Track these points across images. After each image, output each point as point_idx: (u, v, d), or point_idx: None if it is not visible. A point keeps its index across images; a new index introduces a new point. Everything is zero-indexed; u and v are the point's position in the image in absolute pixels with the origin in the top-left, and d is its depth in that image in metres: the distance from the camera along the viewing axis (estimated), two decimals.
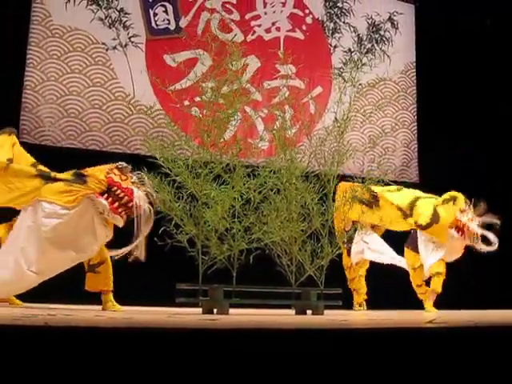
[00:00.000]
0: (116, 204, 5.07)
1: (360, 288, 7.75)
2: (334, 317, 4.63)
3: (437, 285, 7.14)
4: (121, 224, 5.16)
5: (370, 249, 7.53)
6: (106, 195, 5.08)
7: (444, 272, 7.16)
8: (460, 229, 7.08)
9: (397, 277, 7.68)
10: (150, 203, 5.13)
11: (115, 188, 5.08)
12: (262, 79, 8.78)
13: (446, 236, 7.01)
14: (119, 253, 5.16)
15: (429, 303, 7.21)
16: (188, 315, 4.22)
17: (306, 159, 5.50)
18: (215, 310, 4.78)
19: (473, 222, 7.09)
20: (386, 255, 7.66)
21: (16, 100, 7.96)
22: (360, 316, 5.06)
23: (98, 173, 5.15)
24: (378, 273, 7.76)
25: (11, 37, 7.90)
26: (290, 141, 5.47)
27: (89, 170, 5.21)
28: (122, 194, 5.08)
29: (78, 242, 5.08)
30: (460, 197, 7.34)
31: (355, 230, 6.59)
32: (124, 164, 5.25)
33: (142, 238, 5.12)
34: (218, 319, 3.63)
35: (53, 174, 5.22)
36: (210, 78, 5.18)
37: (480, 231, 7.06)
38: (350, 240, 7.11)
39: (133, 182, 5.15)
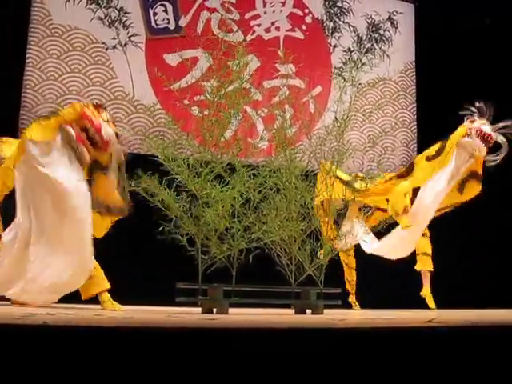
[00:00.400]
0: (83, 135, 5.05)
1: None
2: (333, 316, 4.63)
3: (428, 264, 7.07)
4: (86, 157, 5.09)
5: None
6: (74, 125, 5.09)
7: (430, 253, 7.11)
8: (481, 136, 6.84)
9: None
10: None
11: (86, 120, 5.07)
12: (261, 79, 8.78)
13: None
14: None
15: (426, 287, 7.15)
16: (188, 315, 4.22)
17: (306, 158, 5.50)
18: (215, 310, 4.78)
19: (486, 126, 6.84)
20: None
21: (16, 99, 7.96)
22: (359, 315, 5.06)
23: (74, 105, 5.20)
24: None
25: (11, 36, 7.90)
26: (289, 140, 5.47)
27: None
28: (89, 126, 5.07)
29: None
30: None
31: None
32: (97, 103, 5.31)
33: (114, 177, 5.11)
34: (217, 319, 3.63)
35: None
36: (213, 77, 5.17)
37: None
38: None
39: (106, 121, 5.16)
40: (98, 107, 5.24)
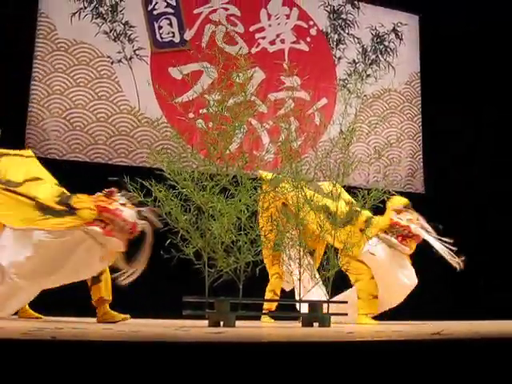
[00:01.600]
0: (109, 227, 5.08)
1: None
2: (340, 329, 4.62)
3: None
4: (120, 247, 5.16)
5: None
6: (97, 222, 5.12)
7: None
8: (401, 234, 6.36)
9: None
10: (146, 218, 5.15)
11: (105, 213, 5.10)
12: (266, 91, 8.80)
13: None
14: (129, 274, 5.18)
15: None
16: (194, 328, 4.21)
17: (312, 171, 5.49)
18: (222, 323, 4.77)
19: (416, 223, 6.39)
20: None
21: (21, 113, 7.98)
22: (366, 329, 5.04)
23: (87, 203, 5.17)
24: None
25: (16, 51, 7.93)
26: (295, 152, 5.46)
27: (76, 200, 5.20)
28: (112, 217, 5.10)
29: (65, 268, 5.13)
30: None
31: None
32: (107, 190, 5.25)
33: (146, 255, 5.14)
34: (224, 332, 3.63)
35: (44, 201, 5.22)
36: (216, 90, 5.17)
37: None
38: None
39: (121, 204, 5.17)
40: (109, 194, 5.24)
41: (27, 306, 5.76)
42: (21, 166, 5.61)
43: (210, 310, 4.81)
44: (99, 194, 5.26)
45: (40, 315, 5.74)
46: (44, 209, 5.13)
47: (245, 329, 4.44)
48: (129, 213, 5.10)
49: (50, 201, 5.19)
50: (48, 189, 5.40)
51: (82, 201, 5.18)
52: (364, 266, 6.30)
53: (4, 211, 5.22)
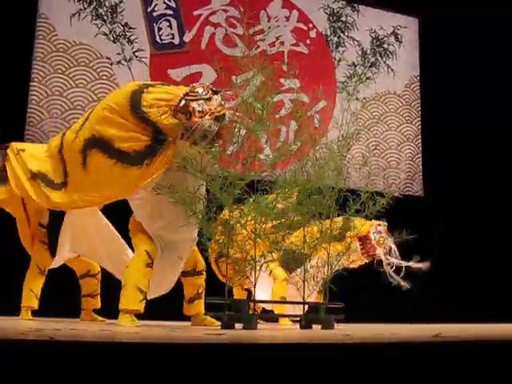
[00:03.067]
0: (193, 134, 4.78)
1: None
2: (337, 331, 4.61)
3: None
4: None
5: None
6: None
7: None
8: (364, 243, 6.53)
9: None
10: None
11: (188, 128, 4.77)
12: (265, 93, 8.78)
13: None
14: None
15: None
16: (195, 329, 4.20)
17: (311, 173, 5.47)
18: (238, 325, 4.73)
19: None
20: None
21: (21, 114, 7.98)
22: (365, 331, 5.03)
23: (170, 119, 4.78)
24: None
25: (16, 51, 7.93)
26: (294, 155, 5.45)
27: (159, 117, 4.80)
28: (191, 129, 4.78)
29: None
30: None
31: None
32: (176, 103, 4.80)
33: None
34: (224, 334, 3.62)
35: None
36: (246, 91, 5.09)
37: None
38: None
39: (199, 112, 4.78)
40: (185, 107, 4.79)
41: (91, 311, 5.89)
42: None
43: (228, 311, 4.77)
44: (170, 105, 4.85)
45: (103, 318, 5.84)
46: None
47: (246, 331, 4.44)
48: (208, 123, 4.77)
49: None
50: None
51: (164, 118, 4.83)
52: None
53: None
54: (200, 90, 4.82)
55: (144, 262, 4.90)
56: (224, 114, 4.83)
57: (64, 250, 5.73)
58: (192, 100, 4.77)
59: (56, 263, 5.84)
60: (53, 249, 5.71)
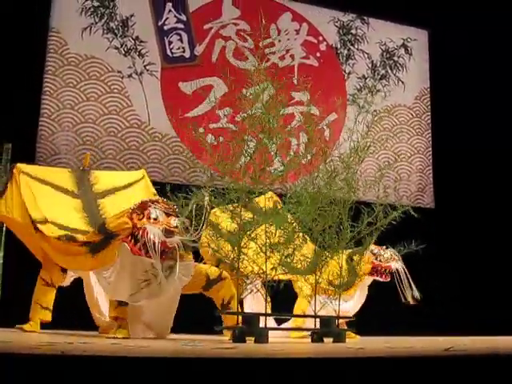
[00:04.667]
0: (138, 245, 4.97)
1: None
2: (351, 345, 4.60)
3: None
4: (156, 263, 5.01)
5: None
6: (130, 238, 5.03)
7: None
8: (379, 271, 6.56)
9: None
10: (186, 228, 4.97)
11: (134, 230, 4.99)
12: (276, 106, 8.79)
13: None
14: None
15: None
16: (208, 342, 4.20)
17: (322, 186, 5.46)
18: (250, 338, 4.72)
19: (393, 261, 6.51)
20: None
21: (33, 128, 8.02)
22: (377, 344, 5.01)
23: (123, 217, 5.03)
24: None
25: (28, 65, 7.97)
26: (304, 167, 5.45)
27: (111, 221, 5.11)
28: (136, 233, 4.98)
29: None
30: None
31: None
32: (139, 203, 5.10)
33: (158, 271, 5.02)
34: (235, 347, 3.61)
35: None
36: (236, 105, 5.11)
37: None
38: None
39: (153, 219, 4.97)
40: (142, 207, 5.07)
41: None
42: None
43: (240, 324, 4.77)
44: (134, 204, 5.10)
45: None
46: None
47: (255, 345, 4.43)
48: (155, 231, 4.88)
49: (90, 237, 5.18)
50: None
51: (116, 220, 5.07)
52: None
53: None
54: (165, 205, 5.08)
55: None
56: (173, 233, 4.92)
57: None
58: (151, 206, 5.02)
59: (67, 281, 5.90)
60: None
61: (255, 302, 6.02)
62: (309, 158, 5.39)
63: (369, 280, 6.64)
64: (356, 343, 4.90)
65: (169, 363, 2.47)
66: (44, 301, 5.74)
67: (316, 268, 5.27)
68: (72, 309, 6.09)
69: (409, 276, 6.35)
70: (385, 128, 10.00)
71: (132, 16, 8.85)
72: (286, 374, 2.51)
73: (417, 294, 6.28)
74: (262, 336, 4.61)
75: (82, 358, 2.48)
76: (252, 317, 4.88)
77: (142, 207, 5.03)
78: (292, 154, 5.40)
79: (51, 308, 5.76)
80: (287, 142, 5.40)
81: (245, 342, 4.59)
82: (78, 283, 6.04)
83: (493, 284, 9.43)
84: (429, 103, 10.59)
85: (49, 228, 5.37)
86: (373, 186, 5.63)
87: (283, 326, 6.48)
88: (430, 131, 10.52)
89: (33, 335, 4.94)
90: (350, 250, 5.67)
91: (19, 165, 5.80)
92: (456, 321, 8.05)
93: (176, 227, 4.93)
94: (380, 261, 6.57)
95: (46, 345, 3.13)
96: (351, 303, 6.58)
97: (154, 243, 4.83)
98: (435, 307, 8.34)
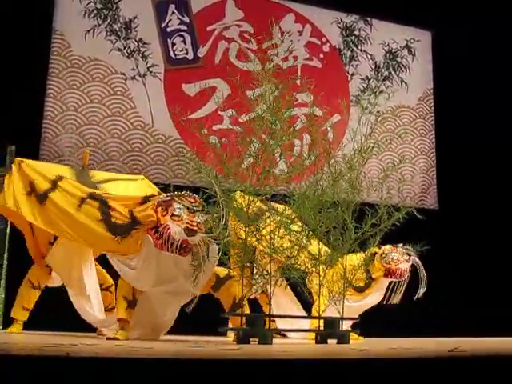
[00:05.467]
0: (161, 240, 4.94)
1: None
2: (355, 346, 4.59)
3: None
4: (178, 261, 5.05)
5: None
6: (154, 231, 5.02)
7: None
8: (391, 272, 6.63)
9: None
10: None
11: (158, 225, 4.98)
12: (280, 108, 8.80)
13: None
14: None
15: None
16: (211, 344, 4.20)
17: (326, 187, 5.46)
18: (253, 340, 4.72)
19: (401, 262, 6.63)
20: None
21: (36, 130, 8.03)
22: (380, 346, 5.01)
23: (148, 210, 5.03)
24: None
25: (31, 67, 7.98)
26: (308, 169, 5.45)
27: (138, 210, 5.10)
28: (162, 231, 4.93)
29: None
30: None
31: None
32: (164, 199, 5.06)
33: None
34: (239, 349, 3.61)
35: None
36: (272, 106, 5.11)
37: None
38: None
39: (176, 215, 4.95)
40: (167, 204, 5.03)
41: None
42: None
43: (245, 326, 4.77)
44: (155, 199, 5.10)
45: None
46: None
47: (258, 346, 4.43)
48: (176, 229, 4.86)
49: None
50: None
51: (141, 212, 5.07)
52: None
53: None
54: (191, 200, 5.03)
55: None
56: (195, 232, 4.89)
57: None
58: (176, 201, 4.99)
59: (57, 282, 5.91)
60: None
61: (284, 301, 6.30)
62: (312, 159, 5.39)
63: (386, 281, 6.69)
64: (360, 344, 4.90)
65: (172, 364, 2.47)
66: (26, 302, 5.83)
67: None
68: (59, 309, 6.13)
69: (422, 272, 6.49)
70: (388, 129, 9.99)
71: (135, 18, 8.86)
72: (288, 375, 2.50)
73: (421, 292, 6.43)
74: (265, 337, 4.61)
75: (87, 359, 2.48)
76: (257, 318, 4.87)
77: (167, 203, 4.99)
78: (296, 155, 5.40)
79: (31, 309, 5.87)
80: (291, 144, 5.41)
81: (249, 343, 4.59)
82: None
83: (497, 284, 9.41)
84: (432, 104, 10.59)
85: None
86: (377, 187, 5.63)
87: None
88: (433, 132, 10.52)
89: (38, 337, 4.94)
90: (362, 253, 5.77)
91: (18, 159, 5.76)
92: (459, 321, 8.04)
93: (199, 224, 4.92)
94: (389, 263, 6.62)
95: (51, 346, 3.13)
96: (368, 301, 6.73)
97: (173, 241, 4.84)
98: (438, 307, 8.34)
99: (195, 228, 4.90)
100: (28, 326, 5.85)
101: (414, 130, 10.38)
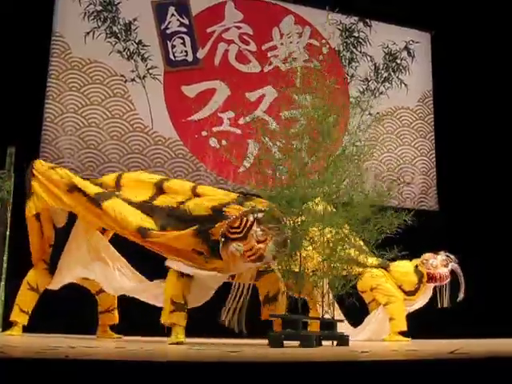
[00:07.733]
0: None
1: None
2: (356, 348, 4.59)
3: None
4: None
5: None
6: None
7: None
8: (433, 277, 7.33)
9: None
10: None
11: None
12: (279, 109, 8.79)
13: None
14: None
15: None
16: (214, 346, 4.19)
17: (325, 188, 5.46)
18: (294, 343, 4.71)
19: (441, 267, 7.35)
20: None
21: (36, 131, 8.03)
22: (381, 348, 5.00)
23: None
24: None
25: (31, 70, 7.98)
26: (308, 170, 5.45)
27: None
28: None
29: None
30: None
31: None
32: (242, 212, 5.00)
33: None
34: (239, 351, 3.61)
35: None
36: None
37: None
38: None
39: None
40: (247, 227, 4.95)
41: (108, 327, 6.02)
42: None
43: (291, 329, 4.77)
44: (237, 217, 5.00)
45: (120, 335, 6.00)
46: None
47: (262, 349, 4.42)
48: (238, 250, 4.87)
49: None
50: None
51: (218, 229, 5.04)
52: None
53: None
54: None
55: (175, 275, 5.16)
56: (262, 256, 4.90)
57: (69, 274, 5.79)
58: (255, 227, 4.92)
59: (56, 285, 5.89)
60: (51, 269, 5.81)
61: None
62: (313, 159, 5.41)
63: (430, 286, 7.40)
64: (360, 347, 4.89)
65: (173, 368, 2.47)
66: (25, 305, 5.82)
67: None
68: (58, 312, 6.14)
69: (461, 277, 7.36)
70: (388, 130, 9.99)
71: (135, 20, 8.86)
72: (288, 377, 2.50)
73: (461, 296, 7.36)
74: (308, 340, 4.59)
75: (85, 362, 2.48)
76: (296, 320, 4.83)
77: (246, 227, 4.92)
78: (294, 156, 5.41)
79: (30, 312, 5.85)
80: (290, 145, 5.41)
81: (282, 346, 4.56)
82: (70, 288, 6.04)
83: (498, 285, 9.40)
84: (432, 106, 10.59)
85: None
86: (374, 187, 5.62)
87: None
88: (433, 134, 10.52)
89: (37, 339, 4.94)
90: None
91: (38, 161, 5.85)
92: (460, 321, 8.02)
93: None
94: (429, 268, 7.30)
95: (49, 349, 3.13)
96: (416, 305, 7.43)
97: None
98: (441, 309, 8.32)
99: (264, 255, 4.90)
100: (27, 328, 5.84)
101: (414, 132, 10.38)
